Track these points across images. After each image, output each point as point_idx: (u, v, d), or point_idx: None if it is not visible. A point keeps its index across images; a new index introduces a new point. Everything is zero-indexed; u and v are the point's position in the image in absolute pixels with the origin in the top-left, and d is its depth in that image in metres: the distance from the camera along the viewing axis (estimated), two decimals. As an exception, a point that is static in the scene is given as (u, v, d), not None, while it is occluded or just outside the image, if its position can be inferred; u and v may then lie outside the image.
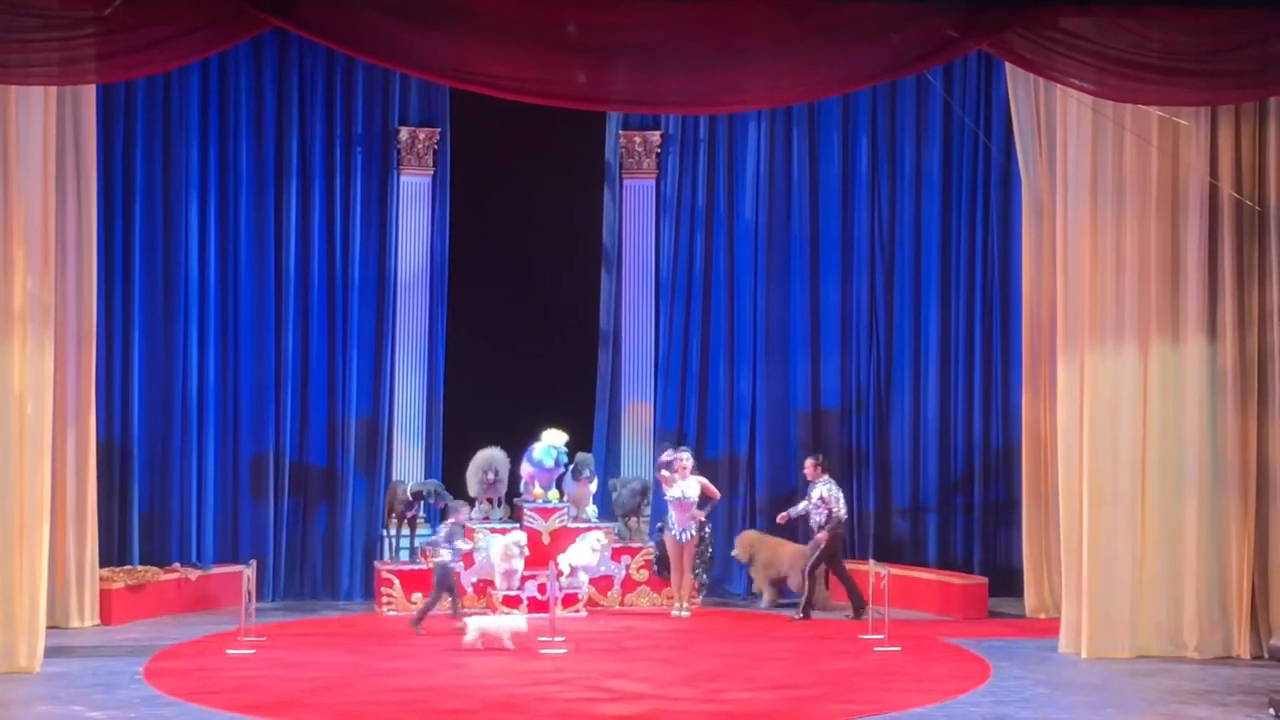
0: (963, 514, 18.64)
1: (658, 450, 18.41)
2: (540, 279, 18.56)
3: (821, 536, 16.59)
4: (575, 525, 17.28)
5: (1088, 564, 14.64)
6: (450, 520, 15.98)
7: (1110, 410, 14.69)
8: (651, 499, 17.81)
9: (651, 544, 17.49)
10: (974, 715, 12.15)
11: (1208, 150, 14.66)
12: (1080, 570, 14.72)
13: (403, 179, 18.33)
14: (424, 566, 17.01)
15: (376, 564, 17.37)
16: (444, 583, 15.72)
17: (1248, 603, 14.61)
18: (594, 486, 17.64)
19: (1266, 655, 13.83)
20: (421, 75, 16.20)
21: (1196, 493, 14.65)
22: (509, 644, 14.60)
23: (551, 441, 17.25)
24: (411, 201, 18.35)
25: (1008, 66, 15.54)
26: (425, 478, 17.85)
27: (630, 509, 17.69)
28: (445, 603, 15.73)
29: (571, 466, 17.44)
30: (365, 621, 16.54)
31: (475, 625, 14.81)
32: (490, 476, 17.29)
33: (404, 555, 17.36)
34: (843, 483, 18.63)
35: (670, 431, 18.24)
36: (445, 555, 15.70)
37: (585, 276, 18.83)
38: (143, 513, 17.46)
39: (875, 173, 18.81)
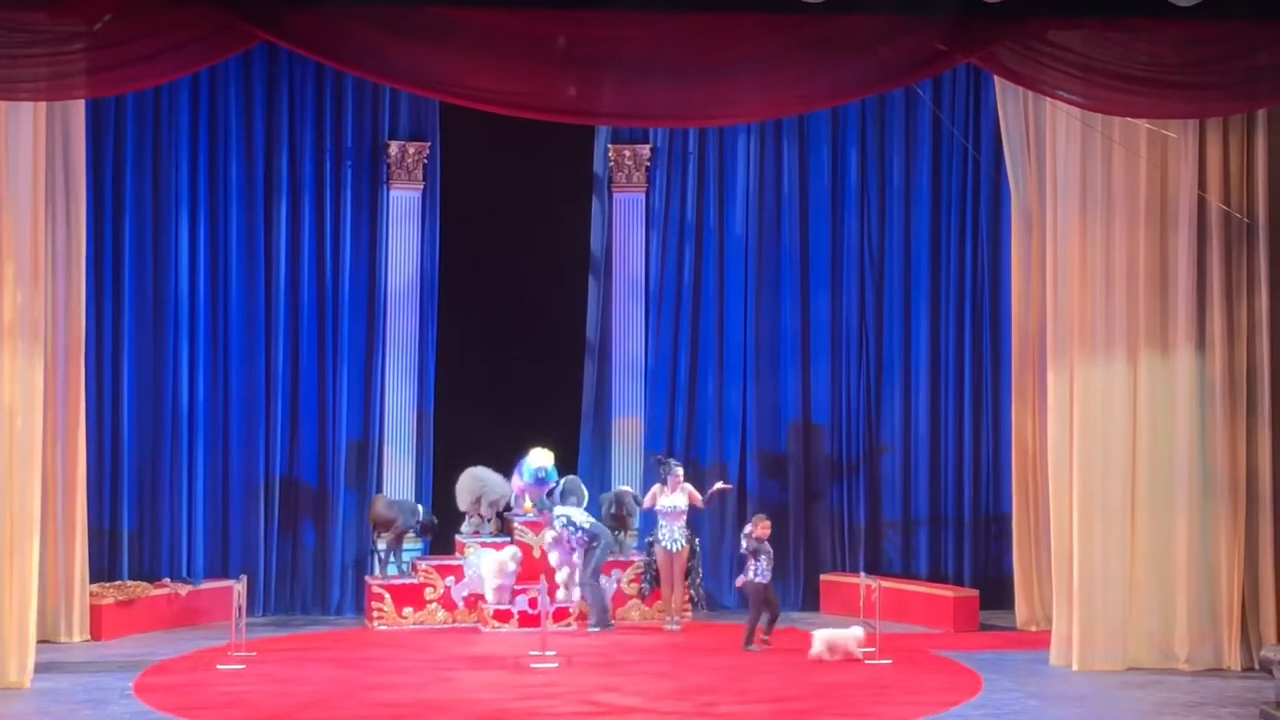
0: (953, 526, 18.65)
1: (647, 463, 18.43)
2: (530, 292, 18.56)
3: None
4: (566, 539, 17.28)
5: (1078, 576, 14.64)
6: (751, 534, 15.90)
7: (1100, 422, 14.70)
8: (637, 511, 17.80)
9: (640, 555, 17.48)
10: (965, 728, 12.18)
11: (1196, 162, 14.69)
12: (1071, 582, 14.72)
13: (392, 193, 18.33)
14: (416, 581, 17.01)
15: (367, 579, 17.34)
16: (759, 597, 15.75)
17: (1238, 614, 14.61)
18: (584, 504, 17.63)
19: (1257, 666, 13.84)
20: (411, 89, 16.19)
21: (1186, 504, 14.66)
22: (857, 653, 14.76)
23: (537, 462, 17.25)
24: (401, 216, 18.35)
25: (996, 79, 15.58)
26: (416, 492, 17.86)
27: (617, 522, 17.66)
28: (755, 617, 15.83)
29: (560, 488, 17.42)
30: (356, 636, 16.52)
31: (821, 637, 14.94)
32: (485, 504, 17.34)
33: (393, 570, 17.32)
34: (832, 496, 18.71)
35: (657, 452, 18.18)
36: (751, 573, 15.72)
37: (575, 290, 18.84)
38: (132, 528, 17.43)
39: (865, 185, 18.83)
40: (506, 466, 17.55)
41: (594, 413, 18.78)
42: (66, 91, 13.97)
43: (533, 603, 16.31)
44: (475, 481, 17.40)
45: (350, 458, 18.12)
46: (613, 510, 17.67)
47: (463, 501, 17.43)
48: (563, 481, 17.47)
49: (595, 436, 18.77)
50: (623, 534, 17.69)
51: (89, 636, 15.96)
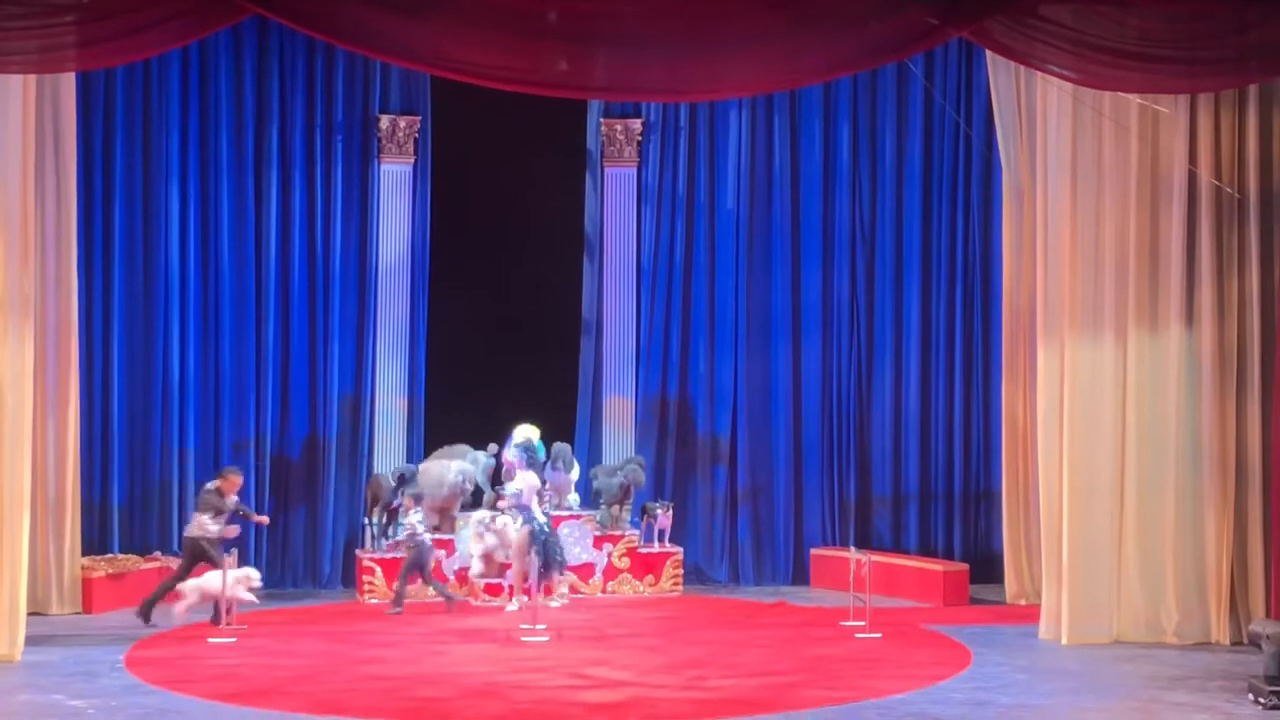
0: (943, 501, 18.69)
1: (640, 438, 18.46)
2: (522, 267, 18.54)
3: None
4: (557, 514, 17.28)
5: (1068, 551, 14.68)
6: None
7: (1090, 398, 14.73)
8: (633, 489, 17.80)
9: (635, 531, 17.52)
10: (955, 701, 12.19)
11: (1187, 138, 14.69)
12: (1060, 557, 14.76)
13: (383, 167, 18.30)
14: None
15: (358, 552, 17.34)
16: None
17: (1227, 588, 14.65)
18: (575, 475, 17.64)
19: (1246, 640, 13.88)
20: (402, 63, 16.17)
21: (1175, 480, 14.70)
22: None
23: (521, 437, 17.23)
24: (392, 190, 18.32)
25: (988, 54, 15.57)
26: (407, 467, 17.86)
27: (614, 497, 17.67)
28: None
29: (551, 458, 17.42)
30: (346, 610, 16.53)
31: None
32: (466, 486, 17.26)
33: (386, 543, 17.33)
34: (823, 471, 18.71)
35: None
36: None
37: (567, 265, 18.82)
38: (123, 502, 17.44)
39: (856, 161, 18.82)
40: (493, 442, 17.54)
41: (590, 388, 18.78)
42: (57, 65, 13.94)
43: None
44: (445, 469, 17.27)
45: (341, 432, 18.12)
46: (622, 480, 17.64)
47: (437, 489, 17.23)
48: (552, 451, 17.45)
49: (591, 413, 18.77)
50: (618, 508, 17.67)
51: (79, 609, 15.97)
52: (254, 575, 15.25)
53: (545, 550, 16.02)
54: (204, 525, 15.39)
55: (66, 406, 15.93)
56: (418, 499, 16.56)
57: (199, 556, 15.35)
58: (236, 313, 17.95)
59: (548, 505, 16.73)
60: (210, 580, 15.02)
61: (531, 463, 17.24)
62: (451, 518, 17.18)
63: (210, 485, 15.66)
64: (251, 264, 17.96)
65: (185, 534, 15.65)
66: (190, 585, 15.05)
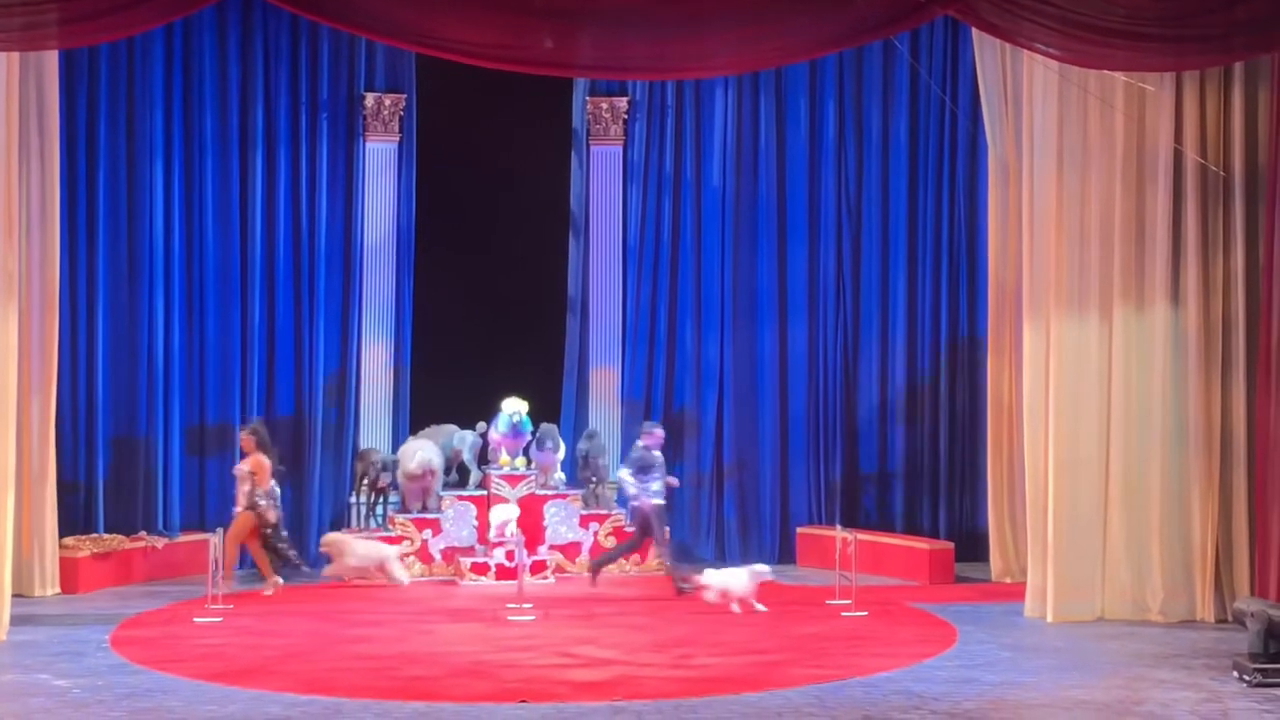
0: (929, 479, 18.71)
1: (625, 416, 18.45)
2: (508, 246, 18.50)
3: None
4: (543, 493, 17.29)
5: (1053, 529, 14.70)
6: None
7: (1076, 376, 14.74)
8: (609, 460, 17.81)
9: (621, 510, 17.53)
10: (940, 679, 12.19)
11: (1173, 116, 14.68)
12: (1046, 535, 14.78)
13: (368, 145, 18.27)
14: (393, 534, 17.01)
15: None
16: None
17: (1212, 566, 14.69)
18: (561, 455, 17.63)
19: (1230, 618, 13.91)
20: (387, 40, 16.12)
21: (1161, 458, 14.72)
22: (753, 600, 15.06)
23: (510, 409, 17.22)
24: (377, 168, 18.29)
25: (974, 32, 15.55)
26: (393, 446, 17.82)
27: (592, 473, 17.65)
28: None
29: (536, 437, 17.42)
30: (333, 589, 16.51)
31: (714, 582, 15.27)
32: (428, 477, 17.20)
33: (375, 523, 17.33)
34: (809, 449, 18.71)
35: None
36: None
37: (553, 243, 18.80)
38: (108, 481, 17.39)
39: (842, 139, 18.81)
40: (482, 420, 17.53)
41: (576, 366, 18.77)
42: (40, 42, 13.86)
43: (510, 555, 16.34)
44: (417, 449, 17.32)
45: (327, 411, 18.10)
46: (585, 455, 17.65)
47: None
48: (539, 430, 17.45)
49: (577, 390, 18.76)
50: (599, 485, 17.67)
51: (59, 590, 15.91)
52: (763, 570, 15.46)
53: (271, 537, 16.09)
54: (646, 490, 15.97)
55: (49, 385, 15.84)
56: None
57: (648, 529, 16.07)
58: (221, 291, 17.91)
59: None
60: (733, 580, 15.24)
61: (517, 436, 17.25)
62: (434, 495, 17.19)
63: (638, 443, 16.34)
64: (236, 242, 17.93)
65: (631, 503, 16.21)
66: (715, 584, 15.22)
